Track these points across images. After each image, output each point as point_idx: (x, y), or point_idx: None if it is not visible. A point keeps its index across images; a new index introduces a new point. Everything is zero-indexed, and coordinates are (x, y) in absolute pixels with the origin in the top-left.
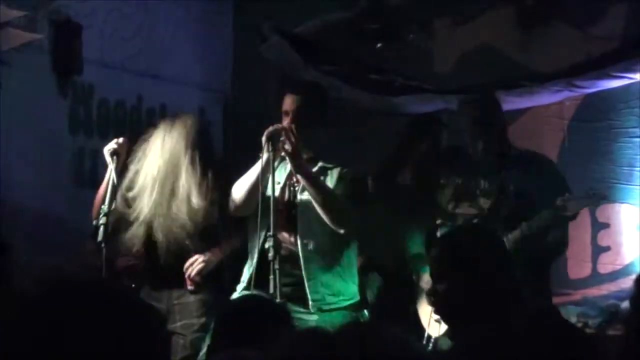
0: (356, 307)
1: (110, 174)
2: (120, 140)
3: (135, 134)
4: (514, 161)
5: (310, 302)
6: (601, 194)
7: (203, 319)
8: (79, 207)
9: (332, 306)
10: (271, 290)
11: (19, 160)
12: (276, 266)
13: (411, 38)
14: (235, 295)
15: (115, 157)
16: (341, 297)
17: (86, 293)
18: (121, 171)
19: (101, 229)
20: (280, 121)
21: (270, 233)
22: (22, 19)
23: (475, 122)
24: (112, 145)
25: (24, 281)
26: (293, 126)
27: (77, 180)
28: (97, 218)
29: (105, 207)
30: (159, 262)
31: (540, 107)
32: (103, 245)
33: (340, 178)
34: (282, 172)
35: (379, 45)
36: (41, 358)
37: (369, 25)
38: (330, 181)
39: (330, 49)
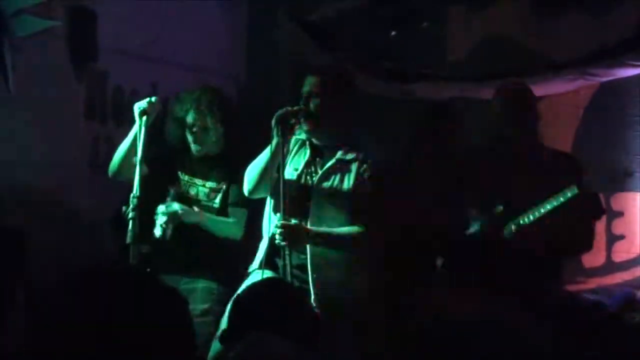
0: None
1: (137, 134)
2: (153, 99)
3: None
4: (542, 154)
5: (312, 296)
6: (627, 170)
7: (207, 305)
8: (94, 193)
9: (336, 301)
10: (281, 276)
11: (34, 146)
12: (287, 252)
13: (425, 25)
14: (251, 271)
15: (144, 117)
16: (345, 289)
17: (116, 279)
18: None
19: (130, 225)
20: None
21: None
22: (37, 5)
23: (513, 108)
24: (143, 103)
25: (40, 267)
26: (304, 108)
27: (92, 166)
28: (116, 173)
29: (135, 194)
30: (171, 247)
31: (555, 96)
32: (134, 245)
33: (357, 182)
34: (301, 158)
35: (392, 32)
36: (73, 342)
37: (383, 12)
38: (348, 178)
39: (344, 36)
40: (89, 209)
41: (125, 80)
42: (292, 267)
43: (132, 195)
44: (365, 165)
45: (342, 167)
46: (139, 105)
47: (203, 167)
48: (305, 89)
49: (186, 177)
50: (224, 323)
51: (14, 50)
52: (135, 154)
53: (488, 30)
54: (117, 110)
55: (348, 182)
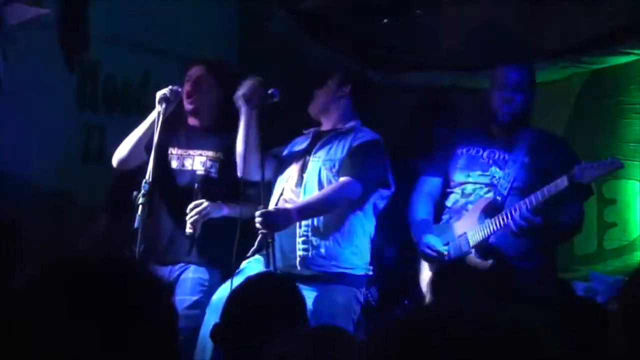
0: (360, 280)
1: (154, 121)
2: (175, 87)
3: (143, 110)
4: (531, 137)
5: (297, 259)
6: (617, 161)
7: (197, 296)
8: (86, 183)
9: (322, 269)
10: (269, 266)
11: (26, 136)
12: (269, 239)
13: (418, 14)
14: (246, 260)
15: (164, 104)
16: (333, 262)
17: (95, 267)
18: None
19: (140, 210)
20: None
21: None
22: None
23: (509, 86)
24: (165, 90)
25: (32, 258)
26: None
27: (84, 156)
28: (124, 161)
29: (147, 179)
30: (162, 235)
31: (547, 84)
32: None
33: (351, 145)
34: (303, 144)
35: (385, 20)
36: (49, 332)
37: (376, 0)
38: (344, 145)
39: (337, 24)
40: (81, 198)
41: (116, 69)
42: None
43: (144, 180)
44: (360, 134)
45: (339, 136)
46: (160, 92)
47: (198, 139)
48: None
49: (179, 151)
50: (210, 317)
51: (6, 39)
52: (147, 141)
53: (480, 18)
54: (109, 100)
55: (343, 149)
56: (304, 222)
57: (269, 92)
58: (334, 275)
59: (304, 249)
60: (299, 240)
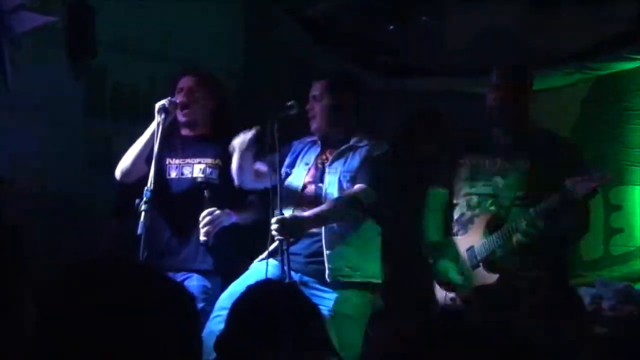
0: (376, 288)
1: (154, 132)
2: (174, 98)
3: (150, 117)
4: (532, 140)
5: (327, 271)
6: (606, 175)
7: (201, 305)
8: (92, 190)
9: (348, 279)
10: (281, 271)
11: (32, 143)
12: (284, 247)
13: (423, 21)
14: (255, 262)
15: (163, 115)
16: (359, 272)
17: (123, 274)
18: (164, 136)
19: (142, 217)
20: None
21: (278, 212)
22: (36, 1)
23: (503, 89)
24: (164, 101)
25: (37, 264)
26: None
27: (91, 162)
28: (127, 174)
29: (149, 187)
30: (165, 244)
31: (553, 89)
32: (142, 236)
33: (367, 156)
34: (313, 154)
35: (390, 27)
36: (80, 337)
37: (381, 6)
38: (360, 156)
39: (342, 30)
40: (87, 205)
41: (124, 77)
42: (303, 255)
43: (146, 188)
44: (376, 146)
45: (354, 149)
46: (159, 103)
47: (195, 148)
48: (313, 92)
49: (177, 161)
50: (214, 326)
51: (13, 46)
52: (149, 153)
53: (485, 24)
54: (116, 107)
55: (360, 160)
56: (328, 233)
57: (288, 103)
58: (357, 284)
59: (329, 260)
60: (326, 252)
